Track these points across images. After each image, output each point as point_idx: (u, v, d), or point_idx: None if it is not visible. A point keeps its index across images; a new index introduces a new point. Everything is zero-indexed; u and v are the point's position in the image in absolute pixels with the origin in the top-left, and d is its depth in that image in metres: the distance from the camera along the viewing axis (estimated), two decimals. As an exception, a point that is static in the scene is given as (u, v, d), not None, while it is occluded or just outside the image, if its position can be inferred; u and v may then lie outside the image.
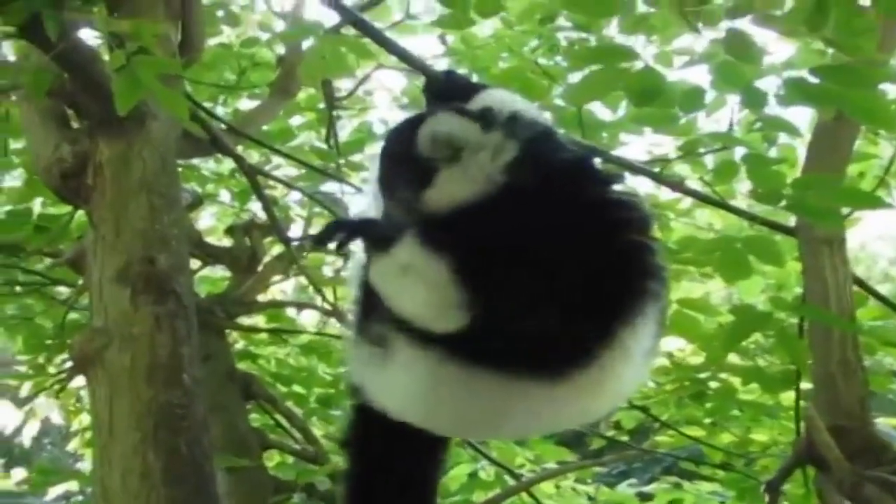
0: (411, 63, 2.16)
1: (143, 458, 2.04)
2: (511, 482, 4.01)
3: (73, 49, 2.29)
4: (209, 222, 4.69)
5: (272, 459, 4.05)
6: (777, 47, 2.62)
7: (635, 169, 2.44)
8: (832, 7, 1.83)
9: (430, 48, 4.01)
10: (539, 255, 1.43)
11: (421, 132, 1.55)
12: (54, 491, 4.13)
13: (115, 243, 2.28)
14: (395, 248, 1.50)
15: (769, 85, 2.18)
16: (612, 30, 3.40)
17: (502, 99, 1.70)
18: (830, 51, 2.24)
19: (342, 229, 1.60)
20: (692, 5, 2.02)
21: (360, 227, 1.62)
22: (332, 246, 1.61)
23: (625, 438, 4.08)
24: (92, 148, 2.43)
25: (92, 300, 2.28)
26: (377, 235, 1.56)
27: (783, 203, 2.02)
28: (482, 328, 1.42)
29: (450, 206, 1.51)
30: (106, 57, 2.41)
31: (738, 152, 2.55)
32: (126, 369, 2.13)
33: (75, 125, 2.60)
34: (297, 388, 4.36)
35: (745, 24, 2.03)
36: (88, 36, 2.67)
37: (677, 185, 2.37)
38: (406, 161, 1.56)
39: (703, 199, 2.48)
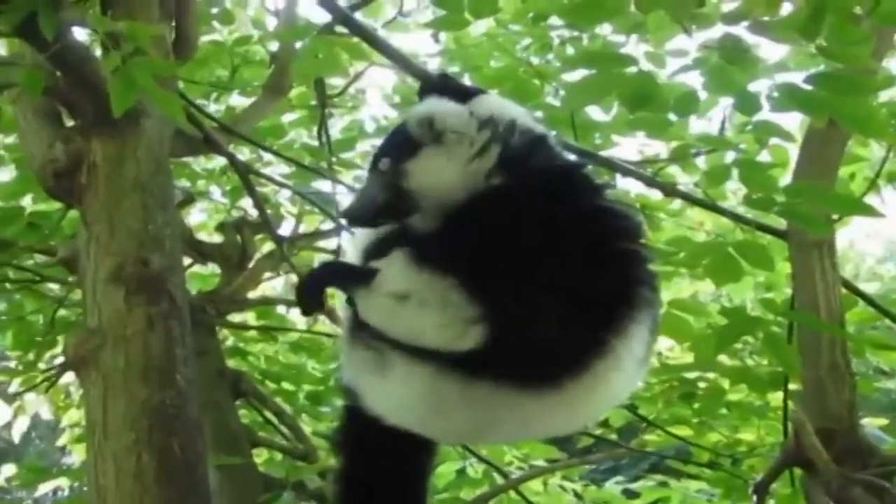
0: (404, 66, 2.17)
1: (136, 459, 2.04)
2: (499, 480, 4.03)
3: (67, 48, 2.29)
4: (200, 219, 4.68)
5: (261, 456, 4.06)
6: (770, 49, 2.63)
7: (628, 171, 2.46)
8: (827, 15, 1.84)
9: (423, 46, 4.01)
10: (535, 264, 1.44)
11: (411, 112, 1.62)
12: (43, 487, 4.13)
13: (108, 244, 2.28)
14: (383, 280, 1.50)
15: (761, 87, 2.19)
16: (606, 28, 3.40)
17: (500, 104, 1.71)
18: (823, 54, 2.25)
19: (313, 290, 1.61)
20: (688, 8, 2.03)
21: (328, 276, 1.65)
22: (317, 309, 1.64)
23: (613, 436, 4.10)
24: (85, 147, 2.42)
25: (86, 300, 2.27)
26: (352, 274, 1.58)
27: (775, 209, 2.03)
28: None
29: (429, 186, 1.53)
30: (97, 54, 2.41)
31: (730, 154, 2.56)
32: (120, 370, 2.13)
33: (70, 123, 2.60)
34: (286, 385, 4.36)
35: (740, 30, 2.04)
36: (80, 34, 2.67)
37: (670, 188, 2.38)
38: (398, 135, 1.63)
39: (694, 201, 2.49)
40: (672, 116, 2.31)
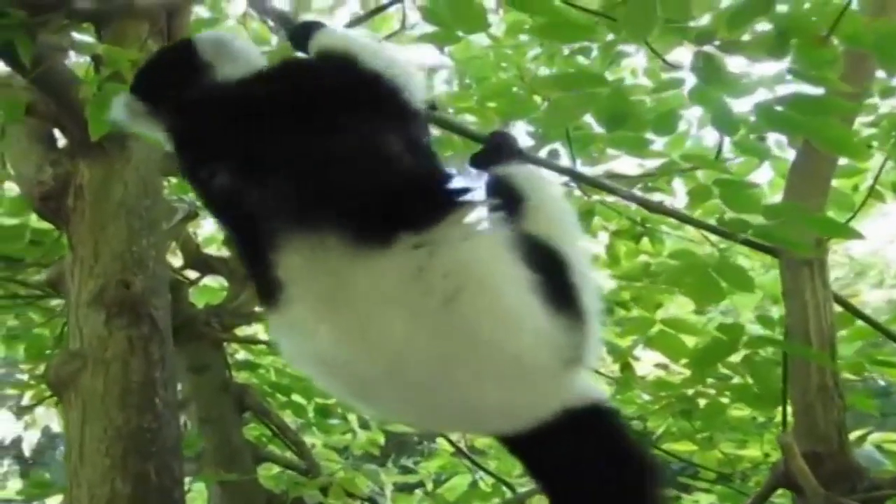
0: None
1: (111, 485, 2.05)
2: (508, 493, 4.02)
3: (50, 72, 2.31)
4: (209, 231, 4.69)
5: (270, 471, 4.05)
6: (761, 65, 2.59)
7: (618, 192, 2.43)
8: (792, 37, 1.82)
9: (430, 57, 4.00)
10: None
11: None
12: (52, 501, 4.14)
13: (92, 266, 2.30)
14: None
15: (749, 104, 2.15)
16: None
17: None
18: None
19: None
20: (647, 30, 1.99)
21: None
22: None
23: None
24: (73, 170, 2.45)
25: (68, 322, 2.29)
26: None
27: (750, 231, 2.01)
28: None
29: None
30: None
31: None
32: (99, 394, 2.14)
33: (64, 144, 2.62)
34: (296, 398, 4.36)
35: (712, 49, 2.01)
36: (74, 57, 2.69)
37: (655, 204, 2.36)
38: None
39: (680, 218, 2.46)
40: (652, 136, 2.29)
